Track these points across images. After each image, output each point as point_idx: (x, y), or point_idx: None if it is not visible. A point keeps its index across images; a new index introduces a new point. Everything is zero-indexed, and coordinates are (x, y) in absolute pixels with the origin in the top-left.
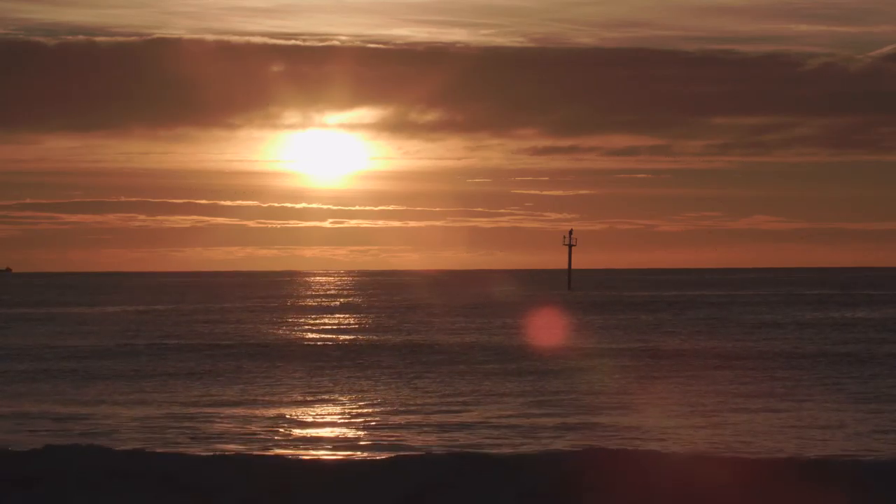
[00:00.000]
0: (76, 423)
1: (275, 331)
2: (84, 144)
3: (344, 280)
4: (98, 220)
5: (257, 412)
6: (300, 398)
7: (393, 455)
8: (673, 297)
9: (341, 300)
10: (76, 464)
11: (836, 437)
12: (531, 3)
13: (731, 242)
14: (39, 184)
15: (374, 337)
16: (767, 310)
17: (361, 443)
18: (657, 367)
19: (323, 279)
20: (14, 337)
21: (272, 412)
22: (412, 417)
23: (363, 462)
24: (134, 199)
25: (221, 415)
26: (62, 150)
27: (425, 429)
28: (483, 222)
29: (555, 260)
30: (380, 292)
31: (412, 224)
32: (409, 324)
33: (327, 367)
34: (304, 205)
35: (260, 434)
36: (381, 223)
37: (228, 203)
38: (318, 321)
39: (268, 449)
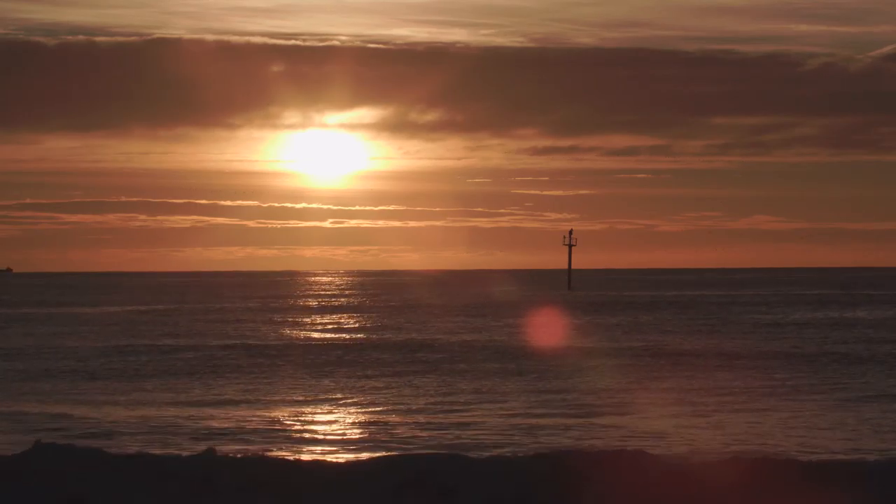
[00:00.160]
0: (76, 424)
1: (275, 330)
2: (84, 144)
3: (344, 280)
4: (98, 220)
5: (258, 412)
6: (301, 398)
7: (390, 455)
8: (673, 297)
9: (341, 300)
10: (67, 464)
11: (836, 437)
12: (531, 3)
13: (731, 242)
14: (39, 184)
15: (375, 336)
16: (767, 310)
17: (361, 442)
18: (657, 366)
19: (323, 279)
20: (15, 337)
21: (272, 412)
22: (412, 417)
23: (361, 462)
24: (134, 199)
25: (222, 415)
26: (62, 150)
27: (425, 428)
28: (483, 222)
29: (555, 260)
30: (380, 292)
31: (412, 224)
32: (409, 323)
33: (328, 367)
34: (304, 205)
35: (260, 434)
36: (381, 223)
37: (228, 203)
38: (318, 321)
39: (268, 449)
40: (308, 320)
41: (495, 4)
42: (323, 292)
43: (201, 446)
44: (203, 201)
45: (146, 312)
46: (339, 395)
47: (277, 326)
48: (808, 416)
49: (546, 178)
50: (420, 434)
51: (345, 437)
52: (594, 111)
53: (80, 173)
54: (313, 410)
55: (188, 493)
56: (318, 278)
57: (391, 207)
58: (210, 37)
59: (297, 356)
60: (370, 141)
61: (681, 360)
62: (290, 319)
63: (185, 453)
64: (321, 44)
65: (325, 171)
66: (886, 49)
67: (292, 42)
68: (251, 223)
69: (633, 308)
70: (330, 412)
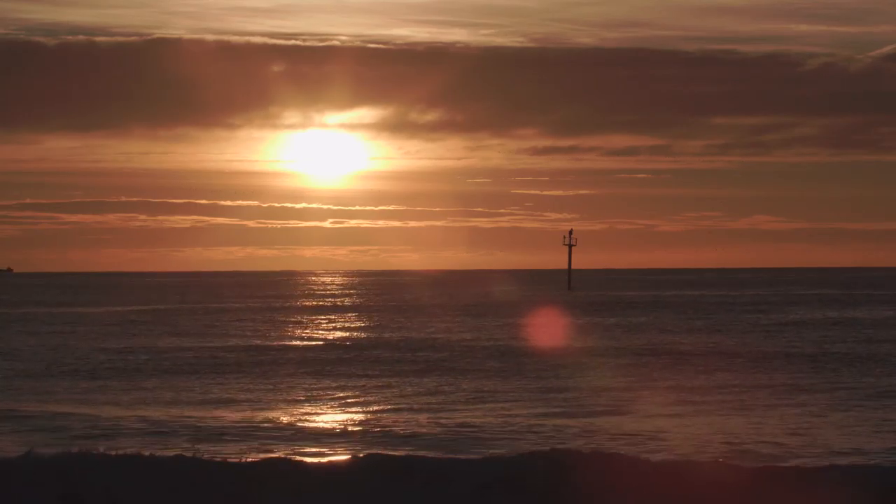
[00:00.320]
0: (76, 423)
1: (275, 330)
2: (84, 144)
3: (344, 280)
4: (98, 220)
5: (258, 412)
6: (301, 397)
7: (380, 453)
8: (673, 297)
9: (341, 300)
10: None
11: (836, 437)
12: (531, 3)
13: (731, 242)
14: (39, 184)
15: (375, 336)
16: (767, 309)
17: (361, 442)
18: (657, 366)
19: (323, 279)
20: (15, 336)
21: (273, 412)
22: (413, 417)
23: (360, 463)
24: (134, 199)
25: (222, 415)
26: (62, 150)
27: (426, 428)
28: (483, 222)
29: (555, 260)
30: (380, 292)
31: (412, 224)
32: (409, 323)
33: (328, 367)
34: (304, 205)
35: (260, 434)
36: (381, 223)
37: (228, 203)
38: (318, 321)
39: (268, 450)
40: (308, 320)
41: (495, 4)
42: (323, 292)
43: (201, 447)
44: (203, 201)
45: (146, 312)
46: (339, 395)
47: (278, 326)
48: (808, 415)
49: (546, 178)
50: (420, 434)
51: (345, 437)
52: (594, 111)
53: (80, 173)
54: (314, 410)
55: (187, 494)
56: (318, 278)
57: (391, 207)
58: (210, 37)
59: (298, 356)
60: (370, 141)
61: (681, 359)
62: (290, 319)
63: (188, 454)
64: (321, 44)
65: (325, 171)
66: (886, 49)
67: (292, 42)
68: (251, 223)
69: (633, 308)
70: (330, 412)
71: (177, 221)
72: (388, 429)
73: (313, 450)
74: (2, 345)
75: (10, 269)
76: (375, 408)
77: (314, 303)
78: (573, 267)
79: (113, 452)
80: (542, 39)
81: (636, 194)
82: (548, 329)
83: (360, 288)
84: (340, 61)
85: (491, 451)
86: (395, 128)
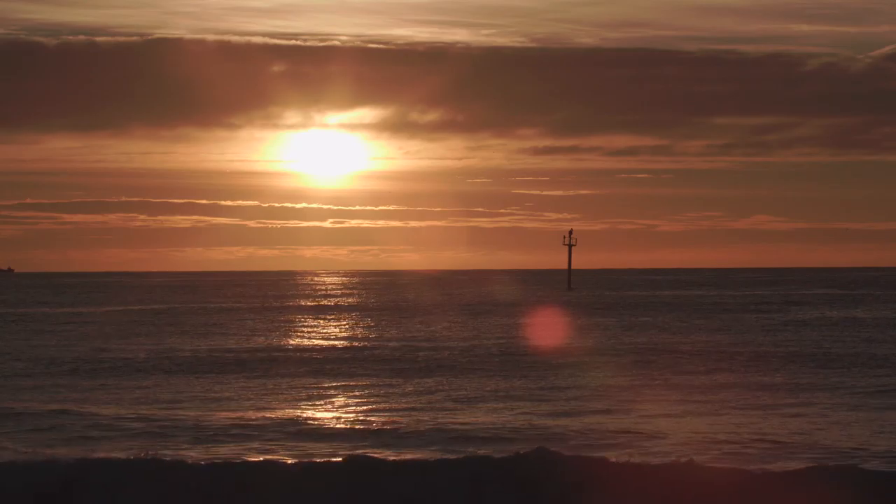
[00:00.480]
0: (76, 422)
1: (276, 330)
2: (85, 144)
3: (344, 280)
4: (99, 220)
5: (258, 412)
6: (302, 397)
7: (378, 458)
8: (673, 297)
9: (342, 300)
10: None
11: (837, 437)
12: (532, 3)
13: (732, 242)
14: (40, 184)
15: (375, 336)
16: (768, 309)
17: (361, 442)
18: (657, 366)
19: (323, 279)
20: (16, 336)
21: (273, 412)
22: (412, 417)
23: (359, 464)
24: (134, 199)
25: (222, 415)
26: (63, 150)
27: (426, 428)
28: (483, 222)
29: (555, 260)
30: (380, 292)
31: (412, 224)
32: (410, 323)
33: (328, 366)
34: (304, 205)
35: (261, 433)
36: (381, 223)
37: (229, 203)
38: (318, 321)
39: (268, 449)
40: (309, 320)
41: (496, 4)
42: (323, 292)
43: (202, 447)
44: (203, 201)
45: (147, 312)
46: (339, 394)
47: (278, 326)
48: (809, 415)
49: (547, 179)
50: (420, 434)
51: (345, 437)
52: (595, 111)
53: (80, 173)
54: (314, 409)
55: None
56: (318, 278)
57: (391, 207)
58: (211, 37)
59: (298, 355)
60: (371, 141)
61: (681, 359)
62: (290, 319)
63: (190, 454)
64: (322, 44)
65: (326, 171)
66: (887, 49)
67: (293, 42)
68: (251, 223)
69: (633, 308)
70: (330, 411)
71: (177, 221)
72: (388, 429)
73: (314, 450)
74: (2, 344)
75: (11, 269)
76: (375, 407)
77: (314, 303)
78: (573, 267)
79: (82, 456)
80: (542, 39)
81: (637, 194)
82: (548, 329)
83: (360, 288)
84: (341, 61)
85: (476, 449)
86: (396, 128)
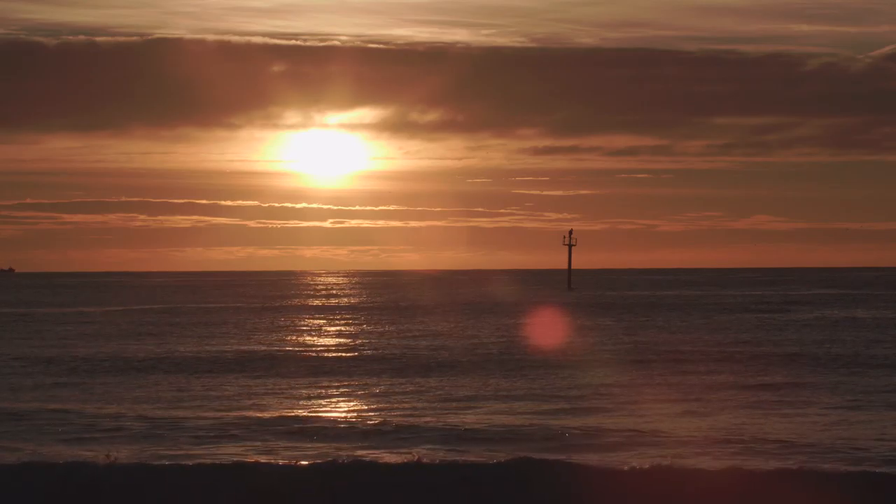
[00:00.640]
0: (76, 421)
1: (276, 330)
2: (85, 144)
3: (344, 280)
4: (99, 220)
5: (258, 411)
6: (302, 396)
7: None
8: (673, 297)
9: (342, 300)
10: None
11: (837, 436)
12: (532, 3)
13: (732, 242)
14: (40, 184)
15: (375, 336)
16: (768, 309)
17: (361, 441)
18: (657, 366)
19: (323, 279)
20: (16, 336)
21: (274, 411)
22: (412, 417)
23: (358, 466)
24: (134, 199)
25: (223, 414)
26: (63, 150)
27: (426, 427)
28: (483, 222)
29: (555, 260)
30: (380, 292)
31: (412, 224)
32: (409, 323)
33: (329, 366)
34: (304, 205)
35: (261, 433)
36: (381, 223)
37: (229, 203)
38: (318, 320)
39: (267, 449)
40: (309, 319)
41: (496, 4)
42: (324, 292)
43: (202, 448)
44: (203, 201)
45: (147, 312)
46: (340, 394)
47: (278, 326)
48: (809, 415)
49: (547, 179)
50: (420, 434)
51: (345, 436)
52: (595, 111)
53: (80, 173)
54: (315, 409)
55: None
56: (318, 278)
57: (391, 207)
58: (211, 37)
59: (299, 355)
60: (371, 141)
61: (681, 359)
62: (291, 319)
63: (190, 454)
64: (322, 44)
65: (326, 171)
66: (887, 49)
67: (293, 42)
68: (251, 223)
69: (633, 308)
70: (331, 411)
71: (177, 221)
72: (388, 429)
73: (314, 450)
74: (2, 344)
75: (11, 269)
76: (376, 407)
77: (314, 303)
78: (573, 267)
79: (61, 461)
80: (542, 39)
81: (637, 194)
82: (548, 329)
83: (360, 288)
84: (341, 61)
85: (487, 450)
86: (396, 128)
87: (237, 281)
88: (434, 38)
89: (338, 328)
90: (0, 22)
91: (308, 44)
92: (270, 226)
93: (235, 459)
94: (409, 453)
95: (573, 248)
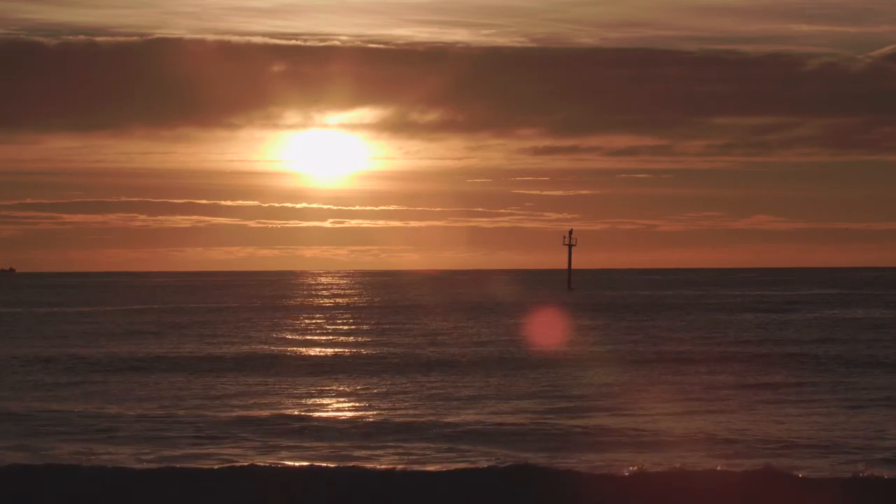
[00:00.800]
0: (76, 421)
1: (276, 330)
2: (85, 144)
3: (344, 280)
4: (99, 220)
5: (258, 411)
6: (303, 396)
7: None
8: (673, 297)
9: (342, 300)
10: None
11: (838, 436)
12: (532, 3)
13: (732, 242)
14: (40, 184)
15: (375, 336)
16: (768, 309)
17: (360, 441)
18: (658, 366)
19: (323, 279)
20: (17, 335)
21: (274, 411)
22: (412, 417)
23: (359, 469)
24: (135, 199)
25: (223, 415)
26: (63, 150)
27: (426, 427)
28: (483, 222)
29: (555, 260)
30: (380, 292)
31: (412, 224)
32: (409, 323)
33: (329, 365)
34: (304, 205)
35: (261, 433)
36: (381, 223)
37: (229, 203)
38: (319, 320)
39: (267, 449)
40: (309, 319)
41: (496, 4)
42: (324, 292)
43: (202, 445)
44: (203, 201)
45: (147, 312)
46: (340, 394)
47: (278, 325)
48: (809, 415)
49: (547, 178)
50: (420, 431)
51: (346, 436)
52: (595, 111)
53: (80, 173)
54: (315, 408)
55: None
56: (318, 278)
57: (391, 207)
58: (211, 37)
59: (299, 354)
60: (371, 141)
61: (681, 359)
62: (291, 319)
63: (191, 454)
64: (322, 44)
65: (326, 171)
66: (887, 49)
67: (293, 42)
68: (251, 223)
69: (633, 308)
70: (331, 410)
71: (177, 221)
72: (388, 428)
73: (314, 450)
74: (2, 344)
75: (12, 269)
76: (376, 406)
77: (314, 303)
78: (573, 267)
79: (41, 463)
80: (542, 39)
81: (637, 194)
82: (548, 329)
83: (360, 288)
84: (341, 61)
85: (486, 449)
86: (396, 128)
87: (237, 281)
88: (434, 38)
89: (338, 328)
90: (0, 22)
91: (308, 44)
92: (270, 226)
93: (235, 460)
94: (409, 454)
95: (573, 248)
